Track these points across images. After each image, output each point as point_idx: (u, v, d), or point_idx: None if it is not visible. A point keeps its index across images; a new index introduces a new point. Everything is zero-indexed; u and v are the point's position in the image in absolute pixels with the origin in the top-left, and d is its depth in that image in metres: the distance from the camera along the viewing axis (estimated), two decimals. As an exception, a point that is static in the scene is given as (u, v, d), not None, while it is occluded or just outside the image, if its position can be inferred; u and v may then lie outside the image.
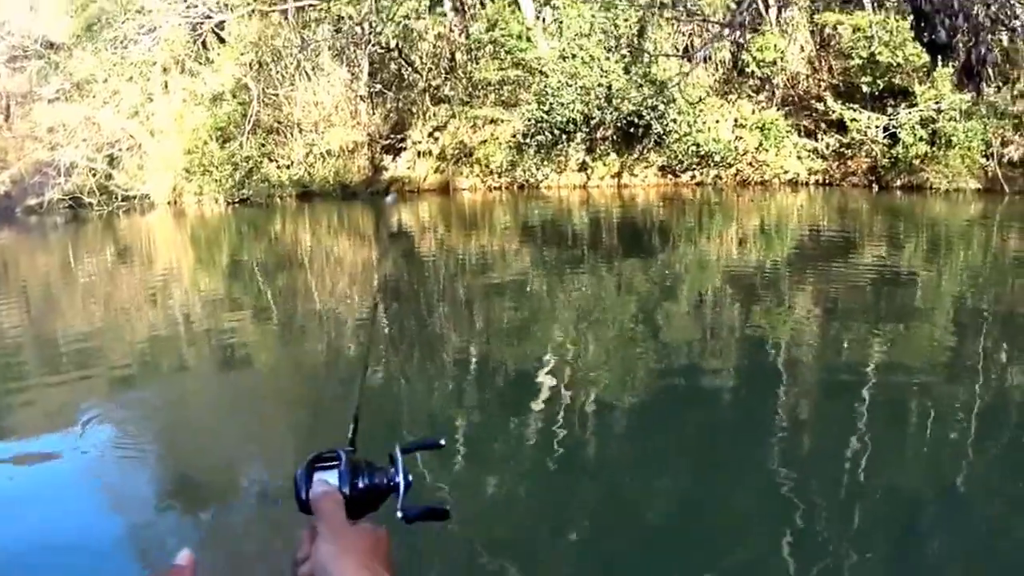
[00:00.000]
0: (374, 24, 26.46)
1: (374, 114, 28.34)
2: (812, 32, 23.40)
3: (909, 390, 7.57)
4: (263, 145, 30.88)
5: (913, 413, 7.08)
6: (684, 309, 10.99)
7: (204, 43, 35.62)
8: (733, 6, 22.97)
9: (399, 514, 1.16)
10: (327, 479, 1.15)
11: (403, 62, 27.99)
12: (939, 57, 20.70)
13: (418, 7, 26.00)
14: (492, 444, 6.66)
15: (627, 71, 21.31)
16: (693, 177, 22.29)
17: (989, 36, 20.90)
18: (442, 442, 1.31)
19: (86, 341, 10.33)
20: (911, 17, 20.66)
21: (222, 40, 34.77)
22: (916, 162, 20.47)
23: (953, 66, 20.68)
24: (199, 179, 33.10)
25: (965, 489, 5.68)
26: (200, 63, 35.64)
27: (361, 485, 1.15)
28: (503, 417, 7.23)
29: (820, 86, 22.92)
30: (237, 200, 31.47)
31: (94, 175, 38.35)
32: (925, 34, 20.70)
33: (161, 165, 36.58)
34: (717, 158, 21.66)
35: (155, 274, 16.40)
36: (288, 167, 30.45)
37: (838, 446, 6.24)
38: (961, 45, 21.04)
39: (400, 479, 1.17)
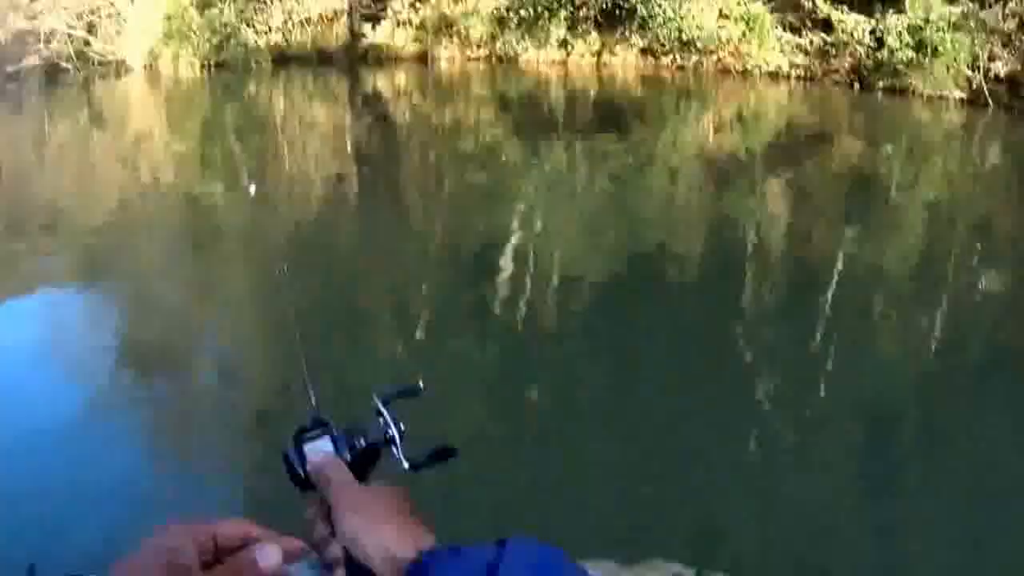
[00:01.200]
0: None
1: None
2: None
3: (874, 285, 7.70)
4: (242, 11, 30.67)
5: (877, 309, 7.26)
6: (654, 189, 11.09)
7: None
8: None
9: (405, 465, 1.10)
10: (321, 448, 1.08)
11: None
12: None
13: None
14: (459, 318, 6.74)
15: None
16: (674, 61, 22.07)
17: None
18: (421, 384, 1.21)
19: (56, 204, 10.14)
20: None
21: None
22: (900, 67, 20.30)
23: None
24: (177, 44, 33.08)
25: (928, 384, 5.88)
26: None
27: (359, 446, 1.10)
28: (465, 295, 7.30)
29: (809, -17, 22.67)
30: (213, 64, 31.41)
31: (72, 42, 37.80)
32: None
33: (139, 30, 36.20)
34: (699, 45, 21.52)
35: (128, 138, 16.23)
36: (267, 32, 30.25)
37: (797, 336, 6.37)
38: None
39: (393, 430, 1.11)
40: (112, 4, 37.06)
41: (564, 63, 21.45)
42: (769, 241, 9.03)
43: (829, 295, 7.25)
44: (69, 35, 38.26)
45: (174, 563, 0.79)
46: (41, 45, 40.54)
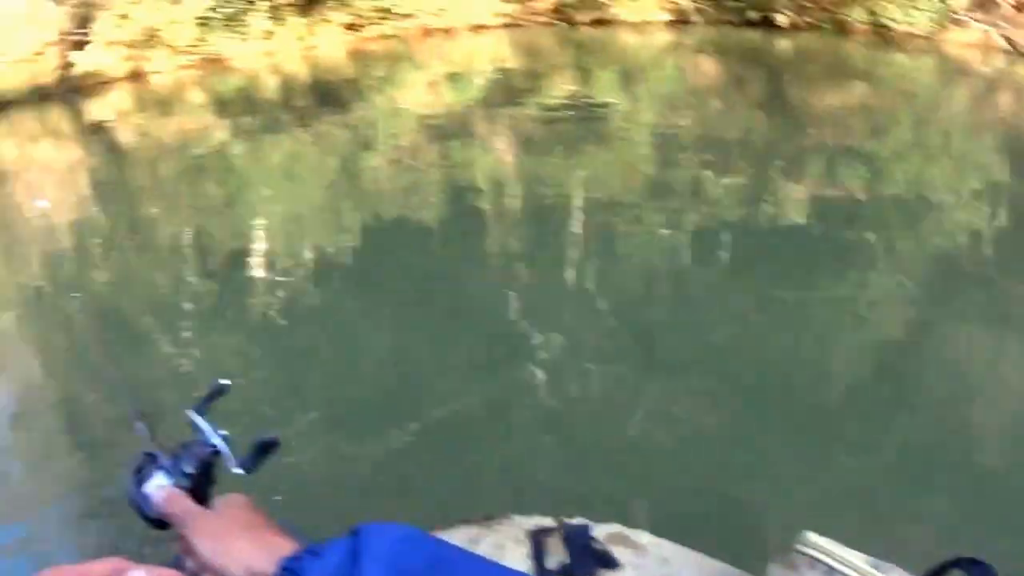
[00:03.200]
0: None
1: (59, 9, 26.19)
2: None
3: (612, 214, 8.34)
4: None
5: (617, 235, 7.96)
6: (383, 157, 11.62)
7: None
8: None
9: (238, 471, 1.10)
10: (158, 483, 1.08)
11: None
12: None
13: None
14: (222, 322, 7.24)
15: None
16: (378, 31, 23.11)
17: None
18: (226, 382, 1.21)
19: None
20: None
21: None
22: (602, -2, 21.05)
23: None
24: None
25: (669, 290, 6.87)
26: None
27: (190, 470, 1.09)
28: (229, 291, 7.79)
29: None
30: None
31: None
32: None
33: None
34: (399, 11, 22.56)
35: None
36: None
37: (543, 268, 7.12)
38: None
39: (216, 439, 1.12)
40: None
41: (272, 54, 22.03)
42: (500, 184, 9.67)
43: (569, 229, 7.95)
44: None
45: None
46: None
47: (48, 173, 15.04)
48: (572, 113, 12.56)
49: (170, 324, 7.18)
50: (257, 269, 8.04)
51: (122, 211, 11.08)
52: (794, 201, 9.06)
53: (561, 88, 14.78)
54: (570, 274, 7.10)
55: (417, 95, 16.25)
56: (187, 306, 7.61)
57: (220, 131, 14.99)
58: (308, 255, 8.27)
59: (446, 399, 5.50)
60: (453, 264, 7.65)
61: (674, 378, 5.83)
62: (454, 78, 17.53)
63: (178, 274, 8.46)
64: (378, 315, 6.87)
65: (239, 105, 16.96)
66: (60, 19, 26.80)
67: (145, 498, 1.07)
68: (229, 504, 0.99)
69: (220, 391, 1.20)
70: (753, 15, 20.01)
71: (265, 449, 1.09)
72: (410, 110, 14.86)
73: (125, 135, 16.77)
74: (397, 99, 16.14)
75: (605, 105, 13.27)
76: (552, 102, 13.57)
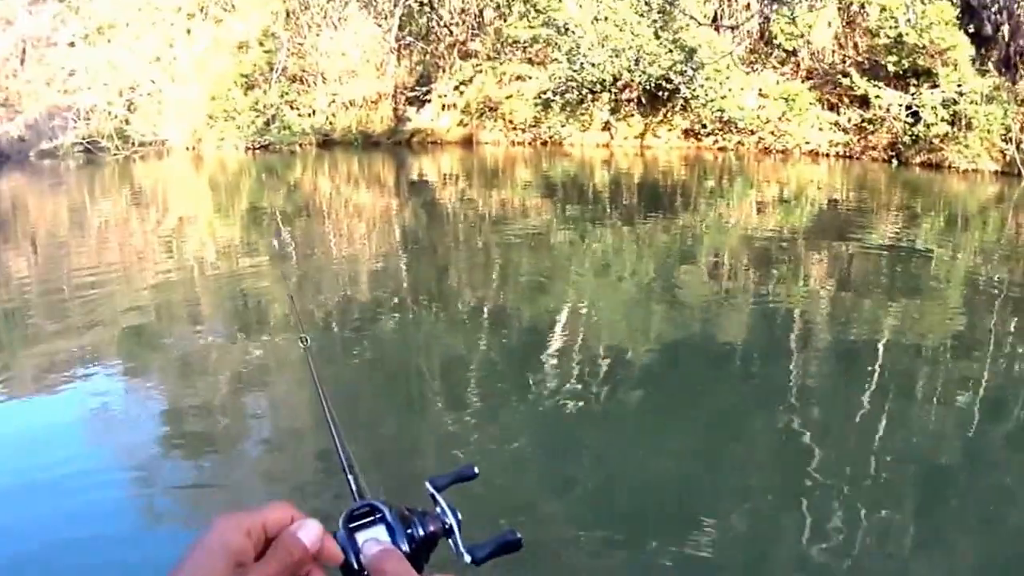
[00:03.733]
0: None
1: (399, 66, 28.53)
2: (840, 8, 23.49)
3: (919, 361, 7.66)
4: (285, 93, 31.24)
5: (921, 385, 7.20)
6: (701, 271, 11.13)
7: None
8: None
9: (466, 558, 1.04)
10: (375, 536, 1.01)
11: (432, 16, 28.10)
12: (982, 48, 20.95)
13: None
14: (508, 399, 6.76)
15: (657, 36, 21.56)
16: (715, 142, 22.55)
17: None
18: (476, 471, 1.17)
19: (96, 287, 10.20)
20: (957, 10, 20.83)
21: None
22: (936, 141, 20.69)
23: (988, 55, 20.91)
24: (222, 125, 33.67)
25: (969, 460, 5.84)
26: (225, 9, 35.88)
27: (418, 535, 1.03)
28: (518, 373, 7.32)
29: (845, 62, 23.02)
30: (257, 146, 31.81)
31: (113, 119, 38.69)
32: (971, 26, 20.93)
33: (182, 110, 37.01)
34: (740, 125, 21.94)
35: (172, 218, 16.52)
36: (311, 115, 30.76)
37: (847, 413, 6.36)
38: (1003, 38, 21.27)
39: (451, 519, 1.06)
40: (153, 82, 38.22)
41: (607, 146, 21.89)
42: (808, 320, 9.07)
43: (874, 371, 7.30)
44: (109, 112, 39.34)
45: (230, 560, 0.81)
46: (80, 122, 41.75)
47: (357, 217, 15.23)
48: (893, 254, 12.04)
49: (451, 388, 6.92)
50: (553, 353, 7.62)
51: (426, 267, 11.02)
52: None
53: (886, 227, 14.33)
54: (864, 422, 6.32)
55: (744, 213, 15.63)
56: (473, 374, 7.26)
57: (543, 212, 14.62)
58: (607, 351, 7.80)
59: (714, 528, 4.83)
60: (748, 391, 7.07)
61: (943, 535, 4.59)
62: (784, 202, 16.87)
63: (472, 341, 8.22)
64: (664, 428, 6.32)
65: (567, 190, 16.61)
66: (400, 74, 28.71)
67: (355, 545, 0.98)
68: None
69: (466, 477, 1.17)
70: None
71: (505, 548, 1.06)
72: (735, 227, 14.28)
73: (445, 196, 16.75)
74: (724, 213, 15.52)
75: (927, 250, 12.61)
76: (875, 240, 13.03)
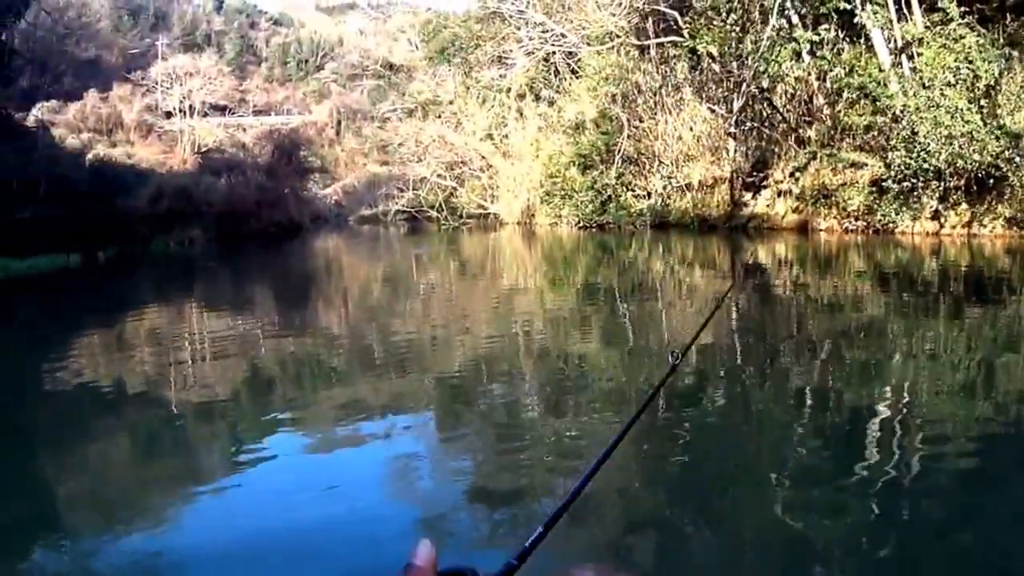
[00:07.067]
0: (751, 65, 27.35)
1: (736, 151, 29.12)
2: None
3: None
4: (621, 175, 32.71)
5: None
6: None
7: (556, 71, 38.20)
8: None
9: None
10: None
11: (766, 103, 28.64)
12: None
13: (799, 49, 26.60)
14: (828, 482, 5.99)
15: (984, 123, 20.96)
16: (1043, 232, 21.10)
17: None
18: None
19: (430, 345, 11.27)
20: None
21: (572, 71, 37.01)
22: None
23: None
24: (559, 202, 35.82)
25: None
26: (555, 91, 38.14)
27: None
28: (834, 459, 6.72)
29: None
30: (593, 225, 33.46)
31: (444, 191, 42.73)
32: None
33: (514, 186, 39.90)
34: (1071, 213, 21.06)
35: (504, 286, 17.62)
36: (647, 197, 32.08)
37: None
38: None
39: None
40: (483, 157, 41.48)
41: (937, 233, 21.31)
42: None
43: None
44: (439, 184, 43.38)
45: None
46: (408, 192, 46.01)
47: (690, 298, 15.56)
48: None
49: (782, 460, 6.31)
50: (874, 448, 6.75)
51: (754, 354, 10.86)
52: None
53: None
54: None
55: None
56: (802, 452, 6.77)
57: (874, 302, 14.24)
58: (931, 446, 6.62)
59: None
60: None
61: None
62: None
63: (796, 418, 7.68)
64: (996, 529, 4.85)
65: (897, 279, 16.95)
66: (737, 159, 29.07)
67: None
68: None
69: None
70: None
71: None
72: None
73: (778, 283, 16.71)
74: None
75: None
76: None
